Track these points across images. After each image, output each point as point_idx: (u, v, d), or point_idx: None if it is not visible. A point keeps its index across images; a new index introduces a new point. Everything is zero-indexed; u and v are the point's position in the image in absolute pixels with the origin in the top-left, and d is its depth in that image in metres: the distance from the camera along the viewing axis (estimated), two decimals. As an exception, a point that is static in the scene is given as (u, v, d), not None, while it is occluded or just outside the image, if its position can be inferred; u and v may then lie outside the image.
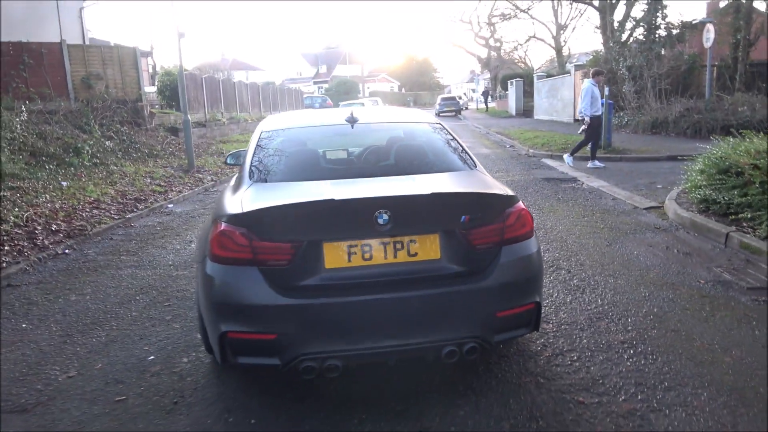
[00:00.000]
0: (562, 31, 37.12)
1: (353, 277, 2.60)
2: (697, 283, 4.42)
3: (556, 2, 35.79)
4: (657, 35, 16.79)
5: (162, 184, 10.24)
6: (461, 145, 3.53)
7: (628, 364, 3.17)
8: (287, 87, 36.55)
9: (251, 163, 3.23)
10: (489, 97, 47.64)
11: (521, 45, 40.68)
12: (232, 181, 3.37)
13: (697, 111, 14.72)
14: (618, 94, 17.97)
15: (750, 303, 4.00)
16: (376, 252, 2.62)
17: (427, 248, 2.66)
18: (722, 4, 19.14)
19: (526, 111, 33.12)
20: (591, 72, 11.68)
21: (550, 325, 3.70)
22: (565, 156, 11.46)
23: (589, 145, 10.90)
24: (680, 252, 5.27)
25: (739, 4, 17.80)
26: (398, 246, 2.63)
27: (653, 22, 16.85)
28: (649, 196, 7.92)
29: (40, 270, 5.59)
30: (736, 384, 2.91)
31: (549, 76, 28.75)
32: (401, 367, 3.12)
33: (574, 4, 33.35)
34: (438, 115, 38.77)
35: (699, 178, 6.27)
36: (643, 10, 18.12)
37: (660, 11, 16.89)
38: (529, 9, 32.32)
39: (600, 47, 23.13)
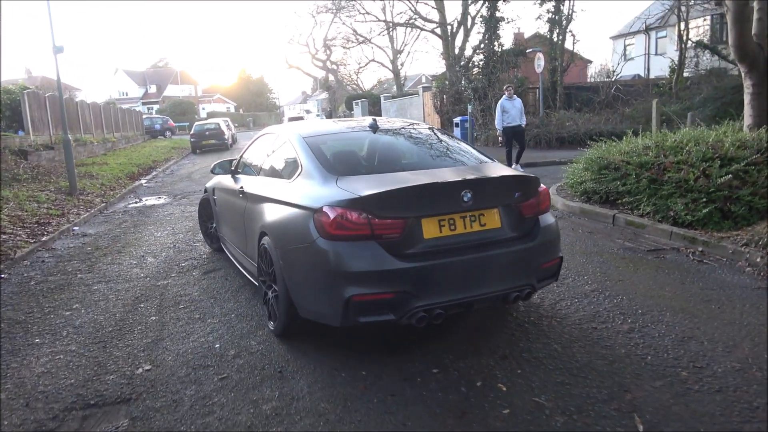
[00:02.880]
0: (399, 55, 39.97)
1: (445, 244, 3.31)
2: (613, 250, 5.77)
3: (392, 29, 38.48)
4: (495, 61, 19.34)
5: (53, 207, 9.58)
6: (467, 143, 4.39)
7: (607, 303, 4.26)
8: (125, 108, 34.26)
9: (317, 161, 3.74)
10: (331, 116, 49.23)
11: (362, 68, 42.63)
12: (298, 179, 3.79)
13: (535, 125, 17.29)
14: (463, 112, 20.24)
15: (655, 259, 5.39)
16: (458, 224, 3.36)
17: (492, 219, 3.46)
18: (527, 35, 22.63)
19: (373, 129, 35.03)
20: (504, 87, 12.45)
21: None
22: (514, 165, 12.09)
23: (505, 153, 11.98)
24: (585, 231, 6.67)
25: (553, 41, 21.22)
26: (472, 218, 3.40)
27: (491, 48, 19.39)
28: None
29: (-3, 293, 5.27)
30: (683, 306, 4.13)
31: (394, 97, 30.91)
32: (462, 322, 3.87)
33: (408, 31, 36.30)
34: (286, 134, 39.37)
35: (584, 174, 7.86)
36: (480, 40, 20.68)
37: (496, 41, 19.53)
38: (371, 39, 34.24)
39: (440, 70, 25.64)
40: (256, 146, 5.19)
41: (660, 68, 30.05)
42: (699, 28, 26.85)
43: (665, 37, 32.13)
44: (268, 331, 3.99)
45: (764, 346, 3.40)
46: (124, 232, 8.03)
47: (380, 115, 33.25)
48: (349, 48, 40.61)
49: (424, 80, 67.00)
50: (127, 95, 66.56)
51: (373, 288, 3.13)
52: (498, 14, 19.46)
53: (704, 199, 5.97)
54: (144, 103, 63.92)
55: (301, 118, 40.83)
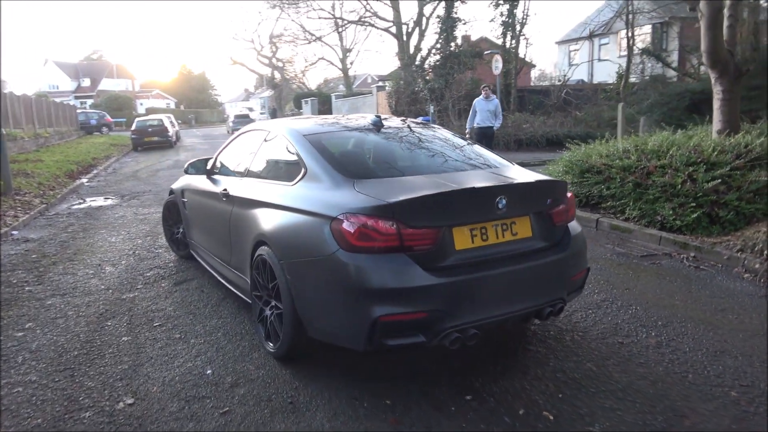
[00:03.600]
0: (348, 54, 39.54)
1: (478, 256, 2.98)
2: (606, 256, 5.62)
3: (342, 27, 38.00)
4: (452, 62, 19.28)
5: (-14, 209, 8.64)
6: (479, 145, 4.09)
7: (622, 314, 4.05)
8: (58, 102, 32.06)
9: (326, 162, 3.32)
10: (276, 115, 48.17)
11: (311, 66, 41.96)
12: (301, 181, 3.37)
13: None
14: (420, 112, 20.10)
15: (652, 265, 5.27)
16: (491, 233, 3.04)
17: (524, 228, 3.16)
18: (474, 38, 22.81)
19: (322, 128, 34.45)
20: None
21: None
22: None
23: None
24: (571, 236, 6.51)
25: (506, 44, 21.39)
26: (504, 227, 3.09)
27: (448, 49, 19.31)
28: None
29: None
30: (700, 316, 3.98)
31: (346, 96, 30.48)
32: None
33: (359, 29, 35.92)
34: (232, 132, 38.09)
35: (564, 177, 7.74)
36: (436, 40, 20.59)
37: (453, 42, 19.48)
38: (321, 37, 33.64)
39: (389, 70, 25.42)
40: (238, 144, 4.71)
41: (603, 74, 31.03)
42: (640, 36, 27.84)
43: (608, 44, 33.19)
44: (266, 352, 3.55)
45: (801, 360, 3.26)
46: (73, 237, 7.28)
47: (330, 113, 32.74)
48: (296, 45, 39.89)
49: (370, 80, 66.87)
50: (58, 88, 62.86)
51: (403, 307, 2.76)
52: (454, 15, 19.38)
53: (692, 204, 5.92)
54: (77, 97, 60.48)
55: (247, 116, 39.74)
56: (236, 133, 4.90)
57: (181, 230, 5.89)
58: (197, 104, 74.18)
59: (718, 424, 2.66)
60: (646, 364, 3.27)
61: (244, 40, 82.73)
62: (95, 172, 15.78)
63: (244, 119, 39.11)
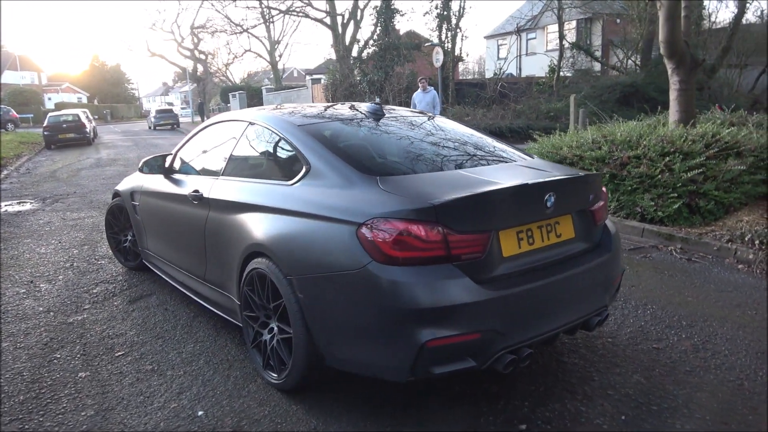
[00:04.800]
0: (277, 46, 38.33)
1: (526, 262, 2.57)
2: (594, 251, 5.40)
3: (269, 18, 36.75)
4: (392, 55, 18.92)
5: None
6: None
7: (644, 315, 3.80)
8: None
9: (335, 156, 2.81)
10: (203, 109, 46.13)
11: (237, 58, 40.40)
12: (304, 180, 2.82)
13: (435, 120, 17.13)
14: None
15: (644, 259, 5.11)
16: (536, 236, 2.64)
17: (567, 228, 2.79)
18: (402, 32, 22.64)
19: (252, 123, 33.24)
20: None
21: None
22: None
23: None
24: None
25: (441, 37, 21.31)
26: (548, 228, 2.70)
27: (387, 41, 18.92)
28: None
29: None
30: (720, 313, 3.79)
31: (277, 89, 29.48)
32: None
33: (287, 21, 34.81)
34: (154, 128, 36.10)
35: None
36: (373, 32, 20.16)
37: (393, 33, 19.10)
38: (248, 29, 32.28)
39: (316, 63, 24.77)
40: (206, 139, 4.07)
41: (531, 68, 31.76)
42: (566, 31, 28.66)
43: (535, 38, 34.01)
44: (265, 384, 3.00)
45: None
46: (-8, 249, 6.29)
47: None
48: (221, 37, 38.22)
49: (296, 74, 65.47)
50: (-49, 81, 57.20)
51: (454, 328, 2.31)
52: (393, 7, 19.01)
53: (673, 195, 5.83)
54: (-26, 92, 55.31)
55: (171, 111, 37.76)
56: (201, 126, 4.25)
57: (129, 238, 5.14)
58: (112, 98, 69.98)
59: (805, 441, 2.40)
60: (694, 373, 2.99)
61: (163, 31, 78.84)
62: (5, 173, 14.20)
63: (167, 114, 37.11)
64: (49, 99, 59.33)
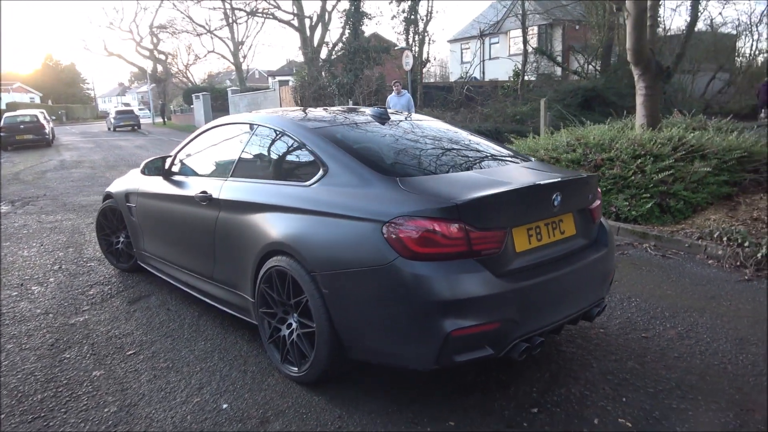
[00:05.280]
0: (241, 47, 37.98)
1: (536, 257, 2.77)
2: (574, 249, 5.68)
3: (233, 19, 36.39)
4: (362, 58, 19.06)
5: None
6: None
7: (628, 307, 4.06)
8: None
9: (353, 158, 2.94)
10: (165, 111, 45.24)
11: (200, 59, 39.82)
12: (323, 180, 2.95)
13: (405, 123, 17.36)
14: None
15: (621, 255, 5.40)
16: (543, 232, 2.84)
17: (569, 225, 3.00)
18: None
19: (217, 125, 32.84)
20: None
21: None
22: None
23: None
24: (529, 229, 6.56)
25: (408, 40, 21.61)
26: (553, 225, 2.91)
27: (356, 44, 19.06)
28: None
29: None
30: (698, 305, 4.09)
31: (243, 90, 29.22)
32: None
33: (251, 22, 34.54)
34: (114, 129, 35.25)
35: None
36: (341, 34, 20.27)
37: (361, 36, 19.26)
38: (213, 30, 31.86)
39: (280, 64, 24.71)
40: (209, 141, 4.14)
41: (494, 72, 32.44)
42: (529, 36, 29.41)
43: (498, 43, 34.73)
44: (283, 378, 3.11)
45: (813, 342, 3.42)
46: (-30, 253, 6.15)
47: (228, 110, 31.24)
48: (180, 38, 37.63)
49: (257, 75, 64.84)
50: None
51: (476, 318, 2.49)
52: (362, 10, 19.17)
53: (645, 195, 6.17)
54: None
55: (131, 112, 36.93)
56: (202, 128, 4.32)
57: (121, 240, 5.15)
58: (66, 99, 67.84)
59: (786, 415, 2.67)
60: (682, 358, 3.25)
61: (121, 30, 76.86)
62: (-36, 175, 13.73)
63: (127, 115, 36.27)
64: None
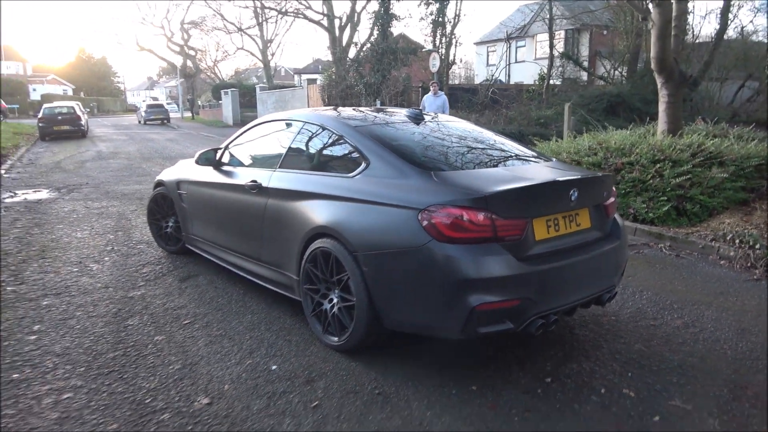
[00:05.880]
0: (269, 45, 38.65)
1: (553, 245, 3.12)
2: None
3: (261, 17, 37.07)
4: (390, 59, 19.46)
5: None
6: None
7: (639, 299, 4.37)
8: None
9: (392, 154, 3.32)
10: (193, 105, 46.20)
11: (230, 56, 40.63)
12: (365, 173, 3.33)
13: (430, 124, 17.71)
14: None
15: (637, 255, 5.69)
16: (561, 224, 3.19)
17: (585, 219, 3.34)
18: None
19: (244, 121, 33.53)
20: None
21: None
22: None
23: None
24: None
25: (435, 42, 21.94)
26: (570, 218, 3.25)
27: (385, 45, 19.46)
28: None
29: None
30: (705, 299, 4.38)
31: (271, 88, 29.80)
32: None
33: (280, 20, 35.19)
34: (145, 122, 36.18)
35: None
36: (369, 35, 20.68)
37: (390, 37, 19.66)
38: (244, 28, 32.57)
39: (306, 63, 25.18)
40: (256, 136, 4.57)
41: (519, 75, 32.57)
42: (555, 41, 29.52)
43: (524, 46, 34.82)
44: (322, 347, 3.50)
45: (810, 335, 3.70)
46: (28, 233, 6.67)
47: (255, 106, 31.89)
48: (214, 35, 38.48)
49: (283, 73, 65.68)
50: (-66, 69, 56.33)
51: (498, 295, 2.85)
52: (391, 11, 19.56)
53: (663, 198, 6.44)
54: (-43, 80, 54.54)
55: (161, 106, 37.83)
56: (250, 124, 4.74)
57: (170, 224, 5.60)
58: (98, 92, 69.55)
59: (776, 393, 2.98)
60: (686, 343, 3.57)
61: (153, 26, 78.42)
62: (10, 163, 14.44)
63: (158, 109, 37.17)
64: (34, 90, 58.74)
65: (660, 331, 3.76)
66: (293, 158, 4.02)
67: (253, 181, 4.11)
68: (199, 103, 48.16)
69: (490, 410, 2.80)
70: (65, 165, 14.08)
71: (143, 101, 55.88)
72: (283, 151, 4.10)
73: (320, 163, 3.87)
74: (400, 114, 4.18)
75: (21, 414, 2.81)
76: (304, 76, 37.53)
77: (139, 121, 38.00)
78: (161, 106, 37.88)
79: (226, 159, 4.73)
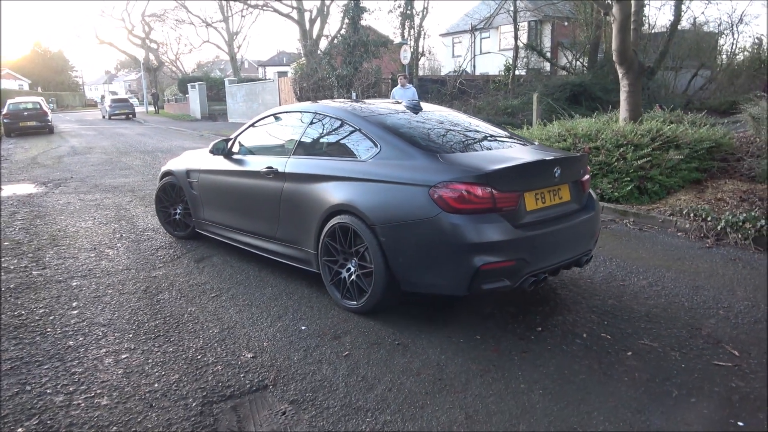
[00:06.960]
0: (235, 38, 38.47)
1: (541, 215, 3.68)
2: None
3: (226, 10, 36.88)
4: (361, 51, 19.86)
5: None
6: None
7: (610, 265, 5.00)
8: None
9: (401, 139, 3.82)
10: (157, 99, 45.61)
11: (194, 48, 40.27)
12: (377, 157, 3.82)
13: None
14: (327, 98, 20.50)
15: (605, 229, 6.35)
16: (546, 197, 3.75)
17: (565, 193, 3.92)
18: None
19: (212, 115, 33.45)
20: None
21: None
22: None
23: None
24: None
25: (404, 35, 22.44)
26: (553, 193, 3.82)
27: (356, 38, 19.84)
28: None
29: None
30: (666, 264, 5.03)
31: (240, 81, 29.82)
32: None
33: (245, 12, 35.10)
34: (110, 117, 35.68)
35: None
36: (339, 28, 21.00)
37: (361, 30, 20.04)
38: (214, 22, 32.34)
39: (270, 55, 25.35)
40: (268, 127, 5.00)
41: (485, 66, 33.34)
42: (519, 32, 30.34)
43: (489, 38, 35.60)
44: (342, 311, 3.99)
45: (727, 289, 4.38)
46: (32, 225, 6.93)
47: (223, 100, 31.83)
48: (178, 28, 38.06)
49: (247, 65, 65.15)
50: None
51: (498, 257, 3.39)
52: (362, 5, 19.94)
53: (626, 179, 7.12)
54: None
55: (126, 101, 37.35)
56: (259, 116, 5.16)
57: (178, 211, 5.98)
58: (55, 86, 67.81)
59: (726, 331, 3.61)
60: (651, 298, 4.19)
61: (112, 18, 76.58)
62: (-16, 159, 14.36)
63: (123, 104, 36.67)
64: (-11, 85, 56.84)
65: (628, 289, 4.39)
66: (307, 146, 4.48)
67: (269, 167, 4.55)
68: (165, 97, 47.48)
69: (494, 353, 3.36)
70: (42, 160, 14.09)
71: (102, 96, 54.71)
72: (297, 139, 4.55)
73: (334, 149, 4.34)
74: (401, 105, 4.68)
75: (89, 371, 3.23)
76: (269, 68, 37.46)
77: (104, 116, 37.44)
78: (126, 100, 37.42)
79: (236, 149, 5.15)
